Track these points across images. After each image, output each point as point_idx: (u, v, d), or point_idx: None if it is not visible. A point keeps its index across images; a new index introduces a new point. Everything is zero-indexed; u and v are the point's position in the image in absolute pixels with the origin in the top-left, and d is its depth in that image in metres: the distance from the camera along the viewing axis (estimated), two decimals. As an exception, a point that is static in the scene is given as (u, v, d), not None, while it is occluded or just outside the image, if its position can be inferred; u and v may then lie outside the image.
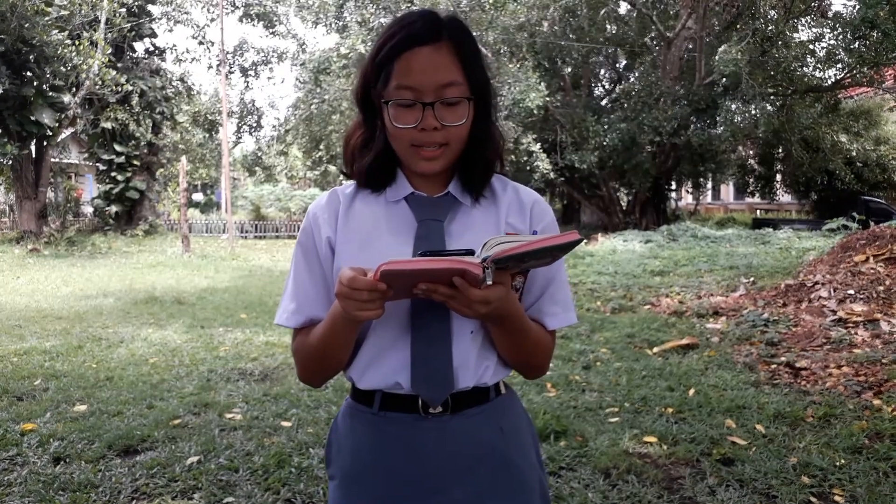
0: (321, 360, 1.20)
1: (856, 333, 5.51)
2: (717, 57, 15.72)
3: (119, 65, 19.78)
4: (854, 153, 21.79)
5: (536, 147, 16.33)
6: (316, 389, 4.62)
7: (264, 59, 26.11)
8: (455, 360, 1.15)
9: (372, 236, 1.18)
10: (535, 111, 15.87)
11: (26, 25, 15.58)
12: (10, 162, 17.71)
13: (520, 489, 1.22)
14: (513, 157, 16.57)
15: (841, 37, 16.66)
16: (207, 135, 26.90)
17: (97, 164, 21.62)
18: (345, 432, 1.26)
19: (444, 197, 1.21)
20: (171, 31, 27.23)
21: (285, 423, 3.93)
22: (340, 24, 19.54)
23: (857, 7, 15.57)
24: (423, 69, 1.11)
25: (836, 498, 2.93)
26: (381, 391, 1.19)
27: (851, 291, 6.45)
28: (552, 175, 17.20)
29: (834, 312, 6.07)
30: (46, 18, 16.24)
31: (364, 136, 1.22)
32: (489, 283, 1.00)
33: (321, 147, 25.00)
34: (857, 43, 15.82)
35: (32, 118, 17.00)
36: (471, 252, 1.02)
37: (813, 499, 2.92)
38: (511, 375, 1.29)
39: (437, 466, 1.17)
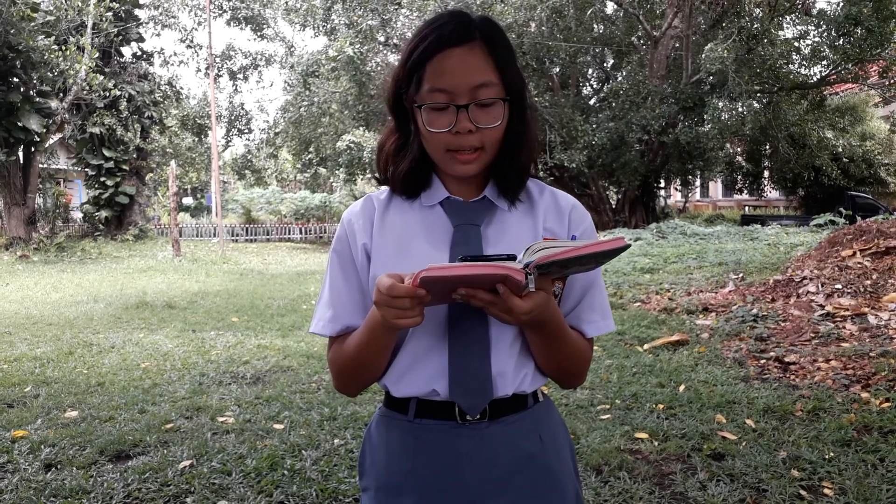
0: (358, 369, 1.17)
1: (844, 327, 5.56)
2: (703, 55, 15.80)
3: (106, 69, 19.70)
4: (840, 149, 21.99)
5: (526, 147, 16.34)
6: (312, 393, 4.63)
7: (253, 62, 26.04)
8: (494, 368, 1.12)
9: (408, 242, 1.16)
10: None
11: (12, 31, 15.49)
12: (-2, 168, 17.62)
13: (558, 498, 1.20)
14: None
15: (825, 34, 16.79)
16: (197, 138, 26.81)
17: (86, 170, 21.52)
18: (378, 441, 1.23)
19: (481, 201, 1.19)
20: (158, 35, 27.07)
21: (278, 426, 3.93)
22: (328, 26, 19.52)
23: (841, 4, 15.71)
24: (456, 71, 1.08)
25: (826, 491, 2.96)
26: (417, 398, 1.16)
27: (839, 286, 6.51)
28: (541, 174, 17.23)
29: (822, 307, 6.12)
30: (32, 24, 16.16)
31: (398, 142, 1.20)
32: (531, 289, 0.97)
33: (311, 149, 24.98)
34: (842, 40, 15.96)
35: (20, 124, 16.91)
36: (512, 257, 0.99)
37: (803, 492, 2.95)
38: None
39: (475, 475, 1.14)
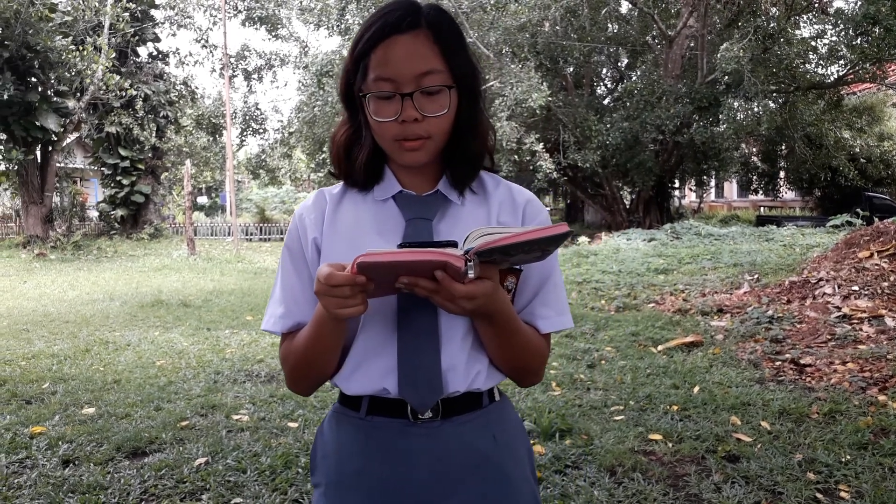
0: (308, 366, 1.13)
1: (860, 329, 5.51)
2: (718, 55, 15.70)
3: (123, 69, 19.87)
4: (857, 149, 21.76)
5: (539, 147, 16.33)
6: (323, 391, 4.64)
7: (267, 62, 26.16)
8: (444, 363, 1.09)
9: (359, 236, 1.13)
10: (537, 111, 15.87)
11: (30, 32, 15.66)
12: (16, 167, 17.81)
13: (512, 501, 1.17)
14: (515, 157, 16.55)
15: (843, 33, 16.61)
16: (211, 138, 26.94)
17: (102, 169, 21.71)
18: (330, 438, 1.20)
19: (434, 195, 1.16)
20: (174, 35, 27.24)
21: (292, 424, 3.96)
22: (343, 26, 19.56)
23: (859, 3, 15.55)
24: (401, 59, 1.06)
25: (842, 494, 2.94)
26: (369, 396, 1.14)
27: (856, 287, 6.45)
28: (555, 175, 17.20)
29: (838, 309, 6.06)
30: (50, 24, 16.33)
31: (349, 133, 1.17)
32: (471, 275, 0.94)
33: (324, 149, 25.02)
34: (860, 39, 15.78)
35: (37, 123, 17.08)
36: (454, 244, 0.97)
37: (819, 495, 2.93)
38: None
39: (426, 475, 1.12)
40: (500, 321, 1.08)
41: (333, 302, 0.96)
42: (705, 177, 24.76)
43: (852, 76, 18.43)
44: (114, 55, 18.50)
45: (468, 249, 0.93)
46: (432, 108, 1.08)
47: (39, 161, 18.59)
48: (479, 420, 1.16)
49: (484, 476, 1.14)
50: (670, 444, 3.52)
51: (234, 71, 24.84)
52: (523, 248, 0.94)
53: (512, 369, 1.17)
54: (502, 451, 1.17)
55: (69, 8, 17.58)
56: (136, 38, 20.56)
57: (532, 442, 3.55)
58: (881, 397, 4.11)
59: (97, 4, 18.00)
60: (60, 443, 3.65)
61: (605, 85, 24.14)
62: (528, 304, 1.18)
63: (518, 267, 1.11)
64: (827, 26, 17.87)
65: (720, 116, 17.37)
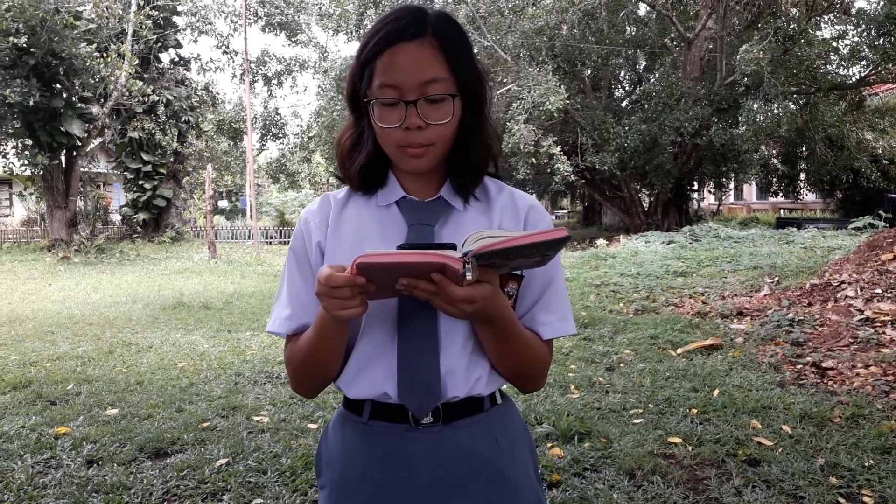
0: (311, 367, 1.14)
1: (883, 333, 5.44)
2: (738, 56, 15.57)
3: (145, 76, 20.15)
4: (880, 150, 21.44)
5: (557, 150, 16.30)
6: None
7: (287, 67, 26.38)
8: (443, 368, 1.10)
9: (362, 241, 1.14)
10: (555, 114, 15.85)
11: (55, 39, 15.93)
12: (42, 172, 18.11)
13: None
14: (533, 160, 16.53)
15: (865, 34, 16.43)
16: (232, 143, 27.23)
17: (125, 173, 22.01)
18: (335, 441, 1.21)
19: (436, 201, 1.16)
20: (195, 41, 27.62)
21: (312, 426, 3.99)
22: (361, 31, 19.69)
23: (882, 3, 15.36)
24: (406, 66, 1.06)
25: (865, 499, 2.91)
26: (371, 400, 1.15)
27: (879, 290, 6.37)
28: (573, 177, 17.15)
29: (861, 312, 5.99)
30: (75, 32, 16.60)
31: (353, 137, 1.18)
32: (469, 278, 0.93)
33: (343, 153, 25.15)
34: (882, 40, 15.60)
35: (62, 129, 17.37)
36: (453, 247, 0.97)
37: (841, 500, 2.91)
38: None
39: (428, 480, 1.12)
40: (499, 325, 1.08)
41: (333, 303, 0.97)
42: (724, 179, 24.53)
43: (874, 77, 18.19)
44: (137, 61, 18.76)
45: (466, 252, 0.93)
46: (436, 116, 1.08)
47: (64, 166, 18.88)
48: (480, 424, 1.16)
49: (486, 480, 1.14)
50: (690, 448, 3.50)
51: (254, 76, 25.12)
52: (522, 252, 0.95)
53: (512, 374, 1.17)
54: (504, 454, 1.17)
55: (93, 16, 17.86)
56: (159, 44, 20.85)
57: (550, 445, 3.55)
58: (905, 401, 4.06)
59: (121, 12, 18.28)
60: (84, 443, 3.71)
61: (623, 87, 24.04)
62: (530, 309, 1.17)
63: (520, 273, 1.12)
64: (848, 27, 17.66)
65: (739, 118, 17.23)
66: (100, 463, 3.47)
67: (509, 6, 16.50)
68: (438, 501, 1.12)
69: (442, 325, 1.10)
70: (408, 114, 1.07)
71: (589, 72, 19.82)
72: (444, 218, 1.16)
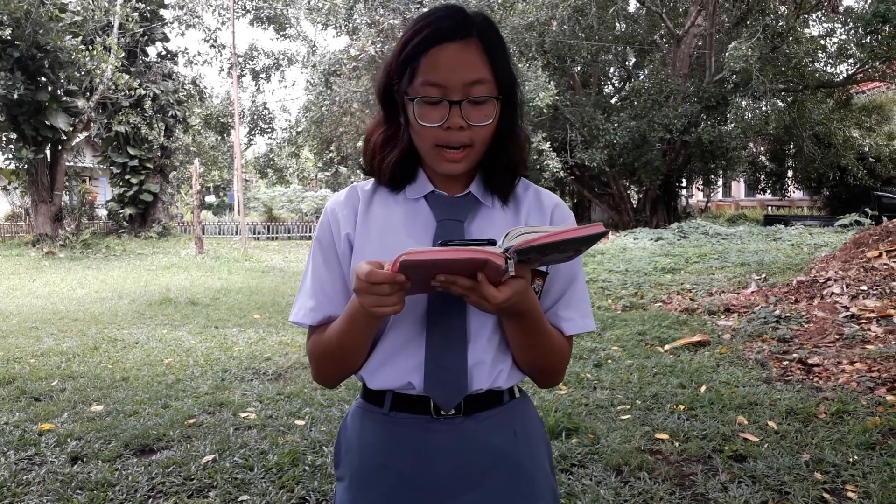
0: (338, 360, 1.15)
1: (869, 329, 5.48)
2: (727, 53, 15.65)
3: (132, 69, 19.98)
4: (866, 148, 21.65)
5: (546, 146, 16.32)
6: (329, 388, 4.66)
7: (275, 62, 26.25)
8: (470, 360, 1.12)
9: (390, 234, 1.15)
10: (544, 110, 15.86)
11: (41, 31, 15.76)
12: (26, 166, 17.93)
13: (531, 496, 1.19)
14: (523, 156, 16.53)
15: (852, 32, 16.54)
16: (219, 137, 27.09)
17: (111, 168, 21.84)
18: (354, 432, 1.23)
19: (465, 197, 1.18)
20: (182, 35, 27.36)
21: (299, 422, 3.97)
22: (350, 25, 19.61)
23: (869, 1, 15.46)
24: (451, 66, 1.07)
25: (850, 494, 2.93)
26: (392, 391, 1.16)
27: (864, 287, 6.41)
28: (562, 174, 17.18)
29: (847, 308, 6.04)
30: (60, 24, 16.42)
31: (385, 133, 1.19)
32: (511, 273, 0.95)
33: (332, 148, 25.10)
34: (869, 38, 15.70)
35: (47, 123, 17.20)
36: (492, 242, 0.98)
37: (826, 495, 2.92)
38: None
39: (447, 470, 1.14)
40: (529, 320, 1.10)
41: (372, 300, 0.97)
42: (713, 176, 24.69)
43: (862, 75, 18.34)
44: (123, 55, 18.59)
45: (508, 247, 0.95)
46: (477, 118, 1.09)
47: (49, 160, 18.70)
48: (499, 417, 1.18)
49: (504, 472, 1.16)
50: (677, 444, 3.51)
51: (242, 70, 24.97)
52: (559, 247, 0.97)
53: (533, 369, 1.19)
54: (522, 447, 1.19)
55: (79, 8, 17.68)
56: (146, 37, 20.66)
57: (538, 441, 3.56)
58: (889, 397, 4.09)
59: (107, 4, 18.11)
60: (69, 440, 3.67)
61: (613, 84, 24.09)
62: (553, 305, 1.20)
63: (545, 269, 1.13)
64: (836, 25, 17.79)
65: (728, 115, 17.31)
66: (84, 460, 3.44)
67: (500, 1, 16.48)
68: (457, 492, 1.14)
69: (471, 320, 1.12)
70: (451, 113, 1.08)
71: (578, 68, 19.85)
72: (472, 214, 1.17)
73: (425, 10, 1.14)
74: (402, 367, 1.13)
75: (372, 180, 1.23)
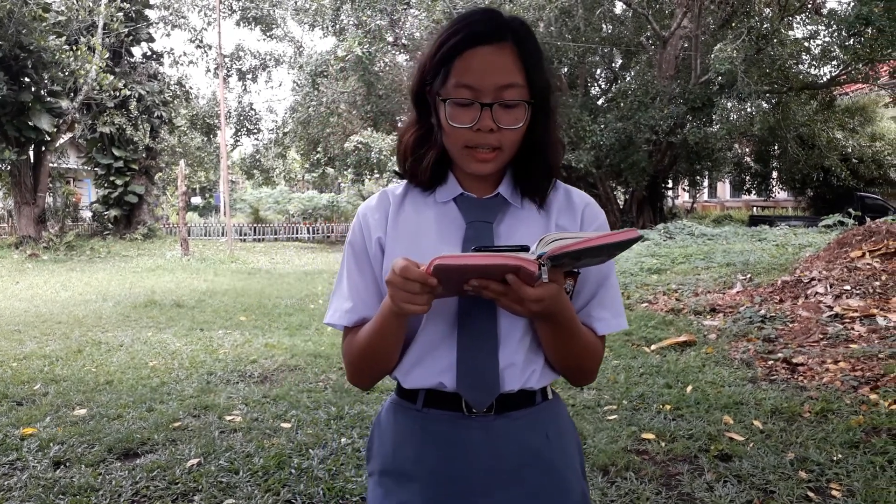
0: (370, 359, 1.18)
1: (852, 329, 5.53)
2: (712, 55, 15.74)
3: (117, 69, 19.79)
4: (850, 150, 21.88)
5: (533, 147, 16.33)
6: (316, 391, 4.64)
7: (262, 62, 26.14)
8: (502, 362, 1.13)
9: (420, 237, 1.17)
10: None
11: (24, 31, 15.59)
12: (9, 167, 17.72)
13: (562, 496, 1.19)
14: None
15: (836, 34, 16.68)
16: (205, 138, 26.92)
17: (95, 169, 21.62)
18: (387, 427, 1.24)
19: (494, 198, 1.19)
20: (168, 35, 27.23)
21: (285, 425, 3.95)
22: (337, 26, 19.57)
23: (852, 4, 15.61)
24: (484, 69, 1.09)
25: (834, 492, 2.95)
26: (425, 389, 1.18)
27: (848, 287, 6.47)
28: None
29: (830, 308, 6.09)
30: (44, 24, 16.26)
31: (417, 134, 1.21)
32: (545, 279, 0.97)
33: (319, 149, 25.03)
34: (852, 40, 15.84)
35: (31, 123, 17.01)
36: (525, 248, 0.99)
37: (810, 493, 2.94)
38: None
39: (480, 467, 1.15)
40: (561, 322, 1.11)
41: (402, 295, 1.00)
42: (698, 177, 24.84)
43: (845, 77, 18.51)
44: (108, 55, 18.42)
45: (541, 254, 0.96)
46: (508, 121, 1.10)
47: (32, 161, 18.50)
48: (532, 417, 1.20)
49: (536, 472, 1.18)
50: (663, 444, 3.53)
51: (228, 71, 24.83)
52: (592, 252, 0.97)
53: (567, 369, 1.20)
54: (554, 448, 1.21)
55: (63, 8, 17.52)
56: (130, 37, 20.49)
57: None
58: (872, 396, 4.13)
59: (91, 4, 17.94)
60: (51, 444, 3.63)
61: (600, 85, 24.18)
62: (586, 305, 1.20)
63: (576, 269, 1.13)
64: (820, 27, 17.95)
65: (713, 117, 17.42)
66: (67, 464, 3.40)
67: (486, 2, 16.48)
68: (490, 488, 1.15)
69: (502, 322, 1.13)
70: (482, 116, 1.09)
71: (565, 69, 19.91)
72: (501, 215, 1.18)
73: (462, 11, 1.18)
74: (434, 367, 1.15)
75: (402, 184, 1.25)
